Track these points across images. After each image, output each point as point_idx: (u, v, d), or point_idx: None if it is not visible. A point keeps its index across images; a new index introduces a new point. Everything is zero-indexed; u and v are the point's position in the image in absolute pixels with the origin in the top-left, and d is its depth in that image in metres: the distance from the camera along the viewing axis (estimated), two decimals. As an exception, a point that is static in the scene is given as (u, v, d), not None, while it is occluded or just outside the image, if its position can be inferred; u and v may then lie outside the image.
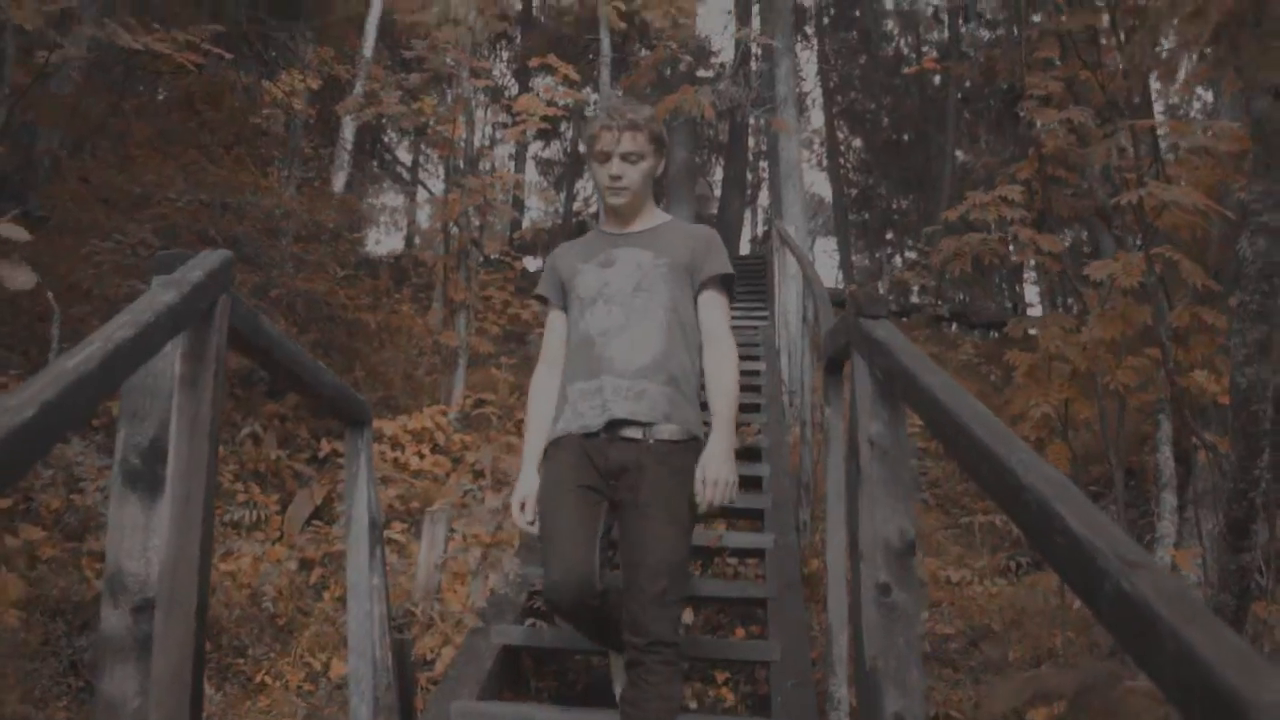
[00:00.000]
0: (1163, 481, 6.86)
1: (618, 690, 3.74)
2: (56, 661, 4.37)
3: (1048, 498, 1.43)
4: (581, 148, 3.86)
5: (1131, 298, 5.63)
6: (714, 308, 3.55)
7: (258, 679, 4.94)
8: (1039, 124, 5.80)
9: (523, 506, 3.49)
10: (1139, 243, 5.42)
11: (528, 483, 3.52)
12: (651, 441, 3.33)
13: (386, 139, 24.14)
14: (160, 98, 11.47)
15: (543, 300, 3.79)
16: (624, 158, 3.50)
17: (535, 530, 3.45)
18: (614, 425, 3.35)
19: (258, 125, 10.82)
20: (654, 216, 3.69)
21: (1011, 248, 6.23)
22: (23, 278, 2.35)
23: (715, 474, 3.27)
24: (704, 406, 3.43)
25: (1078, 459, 6.90)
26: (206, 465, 2.16)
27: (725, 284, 3.60)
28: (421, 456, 7.45)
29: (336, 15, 12.06)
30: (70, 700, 4.16)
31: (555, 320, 3.70)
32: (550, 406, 3.61)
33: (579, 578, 3.21)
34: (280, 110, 11.14)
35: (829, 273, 35.63)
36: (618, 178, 3.50)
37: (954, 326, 20.54)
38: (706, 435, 3.40)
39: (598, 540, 3.33)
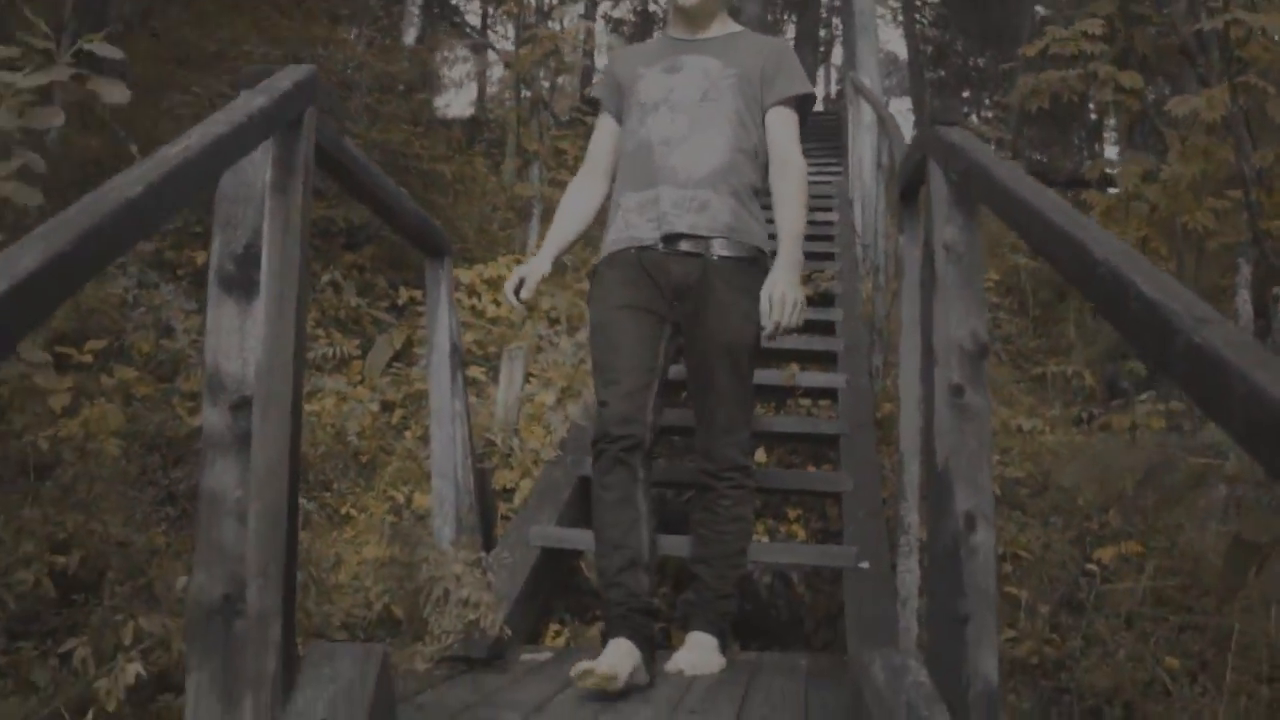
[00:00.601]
0: (1240, 327, 6.77)
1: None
2: (154, 490, 4.56)
3: (1120, 268, 1.46)
4: None
5: (1215, 136, 5.51)
6: (785, 126, 3.35)
7: (343, 511, 5.14)
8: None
9: (520, 284, 3.38)
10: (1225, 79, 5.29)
11: (534, 264, 3.43)
12: (715, 257, 3.20)
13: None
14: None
15: (595, 103, 3.65)
16: None
17: (520, 306, 3.41)
18: (672, 239, 3.21)
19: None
20: (726, 24, 3.50)
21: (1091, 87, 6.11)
22: (119, 93, 2.40)
23: (783, 293, 3.07)
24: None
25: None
26: (299, 268, 2.24)
27: (799, 105, 3.40)
28: (498, 304, 7.55)
29: None
30: (168, 526, 4.34)
31: (605, 125, 3.55)
32: (583, 205, 3.51)
33: (639, 407, 3.13)
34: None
35: (906, 133, 35.06)
36: None
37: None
38: (773, 255, 3.25)
39: (658, 370, 3.22)
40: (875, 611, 3.63)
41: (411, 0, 13.61)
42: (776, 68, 3.37)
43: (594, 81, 3.35)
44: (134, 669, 2.74)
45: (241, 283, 2.14)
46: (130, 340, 5.59)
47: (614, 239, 3.31)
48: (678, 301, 3.23)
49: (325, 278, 7.32)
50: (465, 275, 7.69)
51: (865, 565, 3.93)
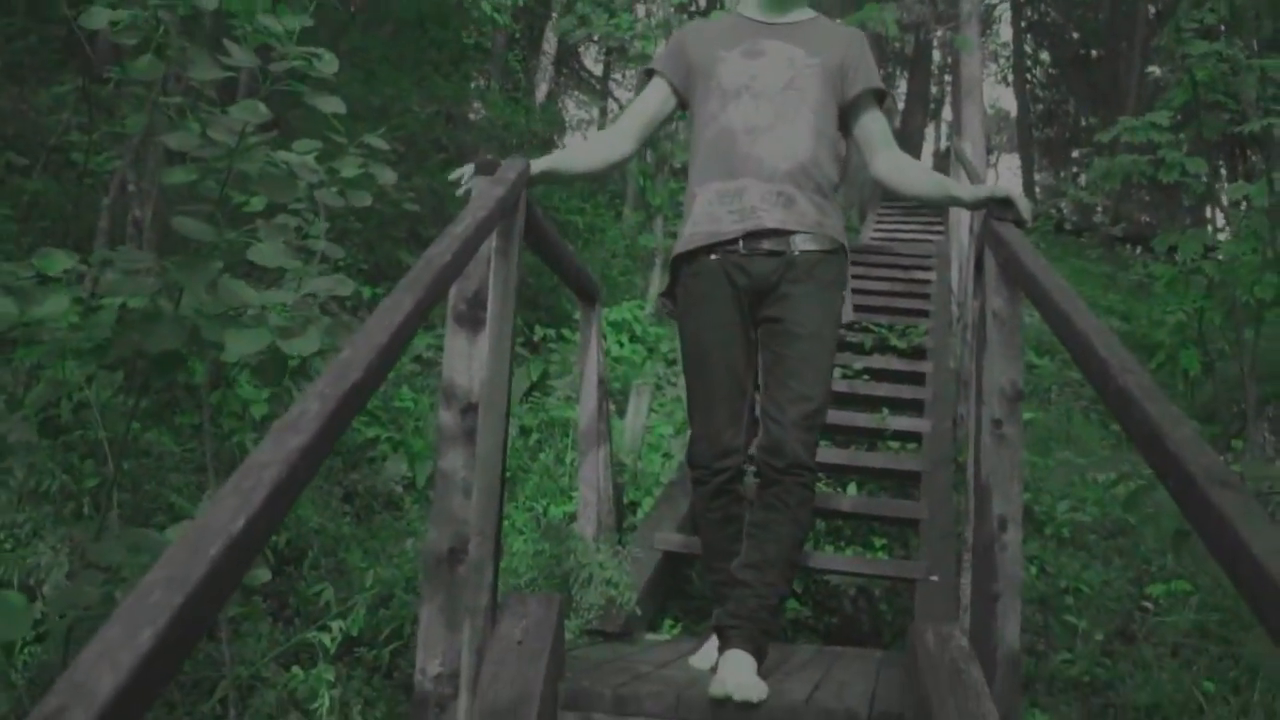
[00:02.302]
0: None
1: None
2: (339, 489, 5.43)
3: (1088, 333, 2.19)
4: None
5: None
6: (877, 119, 3.35)
7: (491, 517, 5.95)
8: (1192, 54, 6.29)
9: (482, 163, 3.12)
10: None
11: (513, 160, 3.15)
12: (796, 253, 3.16)
13: (579, 49, 25.04)
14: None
15: (649, 74, 3.49)
16: None
17: (463, 184, 3.12)
18: (757, 235, 3.15)
19: (480, 42, 11.78)
20: (804, 10, 3.41)
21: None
22: (389, 176, 3.17)
23: (997, 189, 3.15)
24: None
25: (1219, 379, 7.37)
26: (511, 312, 3.06)
27: (880, 98, 3.38)
28: (621, 345, 8.37)
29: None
30: (352, 518, 5.20)
31: (657, 91, 3.42)
32: (597, 156, 3.40)
33: (733, 435, 3.19)
34: (490, 26, 12.06)
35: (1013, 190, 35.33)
36: None
37: (1137, 249, 20.50)
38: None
39: (750, 391, 3.26)
40: (940, 612, 4.35)
41: (546, 55, 14.53)
42: (858, 60, 3.32)
43: (656, 54, 3.27)
44: (360, 614, 3.56)
45: (471, 319, 2.95)
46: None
47: (695, 230, 3.23)
48: (759, 301, 3.20)
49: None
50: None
51: (935, 578, 4.65)
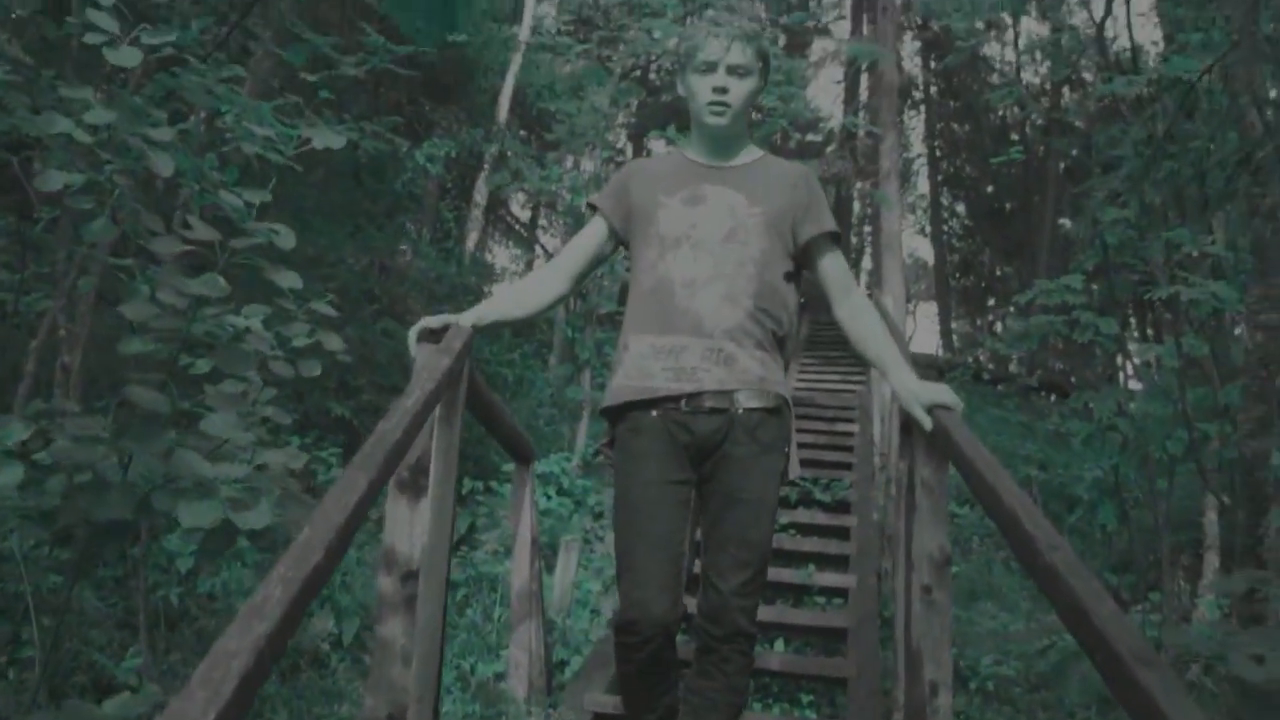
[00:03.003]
0: (1206, 543, 7.59)
1: None
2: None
3: (1015, 508, 2.30)
4: (675, 60, 3.39)
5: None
6: (836, 261, 3.23)
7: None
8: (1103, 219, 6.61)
9: (425, 331, 3.10)
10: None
11: (448, 319, 3.15)
12: (740, 411, 3.02)
13: (504, 196, 25.45)
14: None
15: (591, 208, 3.39)
16: (730, 70, 3.11)
17: (413, 348, 3.09)
18: (697, 396, 3.01)
19: (412, 192, 12.00)
20: (748, 150, 3.30)
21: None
22: (336, 343, 3.23)
23: (936, 391, 3.05)
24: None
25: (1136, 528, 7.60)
26: (453, 478, 3.11)
27: (836, 240, 3.25)
28: (549, 497, 8.40)
29: (478, 93, 13.23)
30: (276, 676, 5.15)
31: (596, 231, 3.33)
32: (535, 297, 3.33)
33: (668, 602, 2.90)
34: (423, 175, 12.28)
35: (930, 338, 36.17)
36: (722, 91, 3.11)
37: (1052, 397, 21.00)
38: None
39: (688, 552, 3.11)
40: (870, 773, 4.37)
41: (477, 206, 14.72)
42: (807, 203, 3.21)
43: (602, 190, 3.09)
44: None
45: (413, 486, 3.00)
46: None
47: (628, 385, 3.10)
48: (700, 460, 3.05)
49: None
50: (508, 466, 8.57)
51: (864, 737, 4.68)
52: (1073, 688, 5.93)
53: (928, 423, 3.00)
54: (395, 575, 2.94)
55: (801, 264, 3.25)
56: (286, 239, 3.02)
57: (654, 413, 3.03)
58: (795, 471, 3.26)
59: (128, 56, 2.89)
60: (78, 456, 2.41)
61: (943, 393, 3.03)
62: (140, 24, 3.10)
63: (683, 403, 3.00)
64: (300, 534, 1.83)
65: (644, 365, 3.05)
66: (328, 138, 3.49)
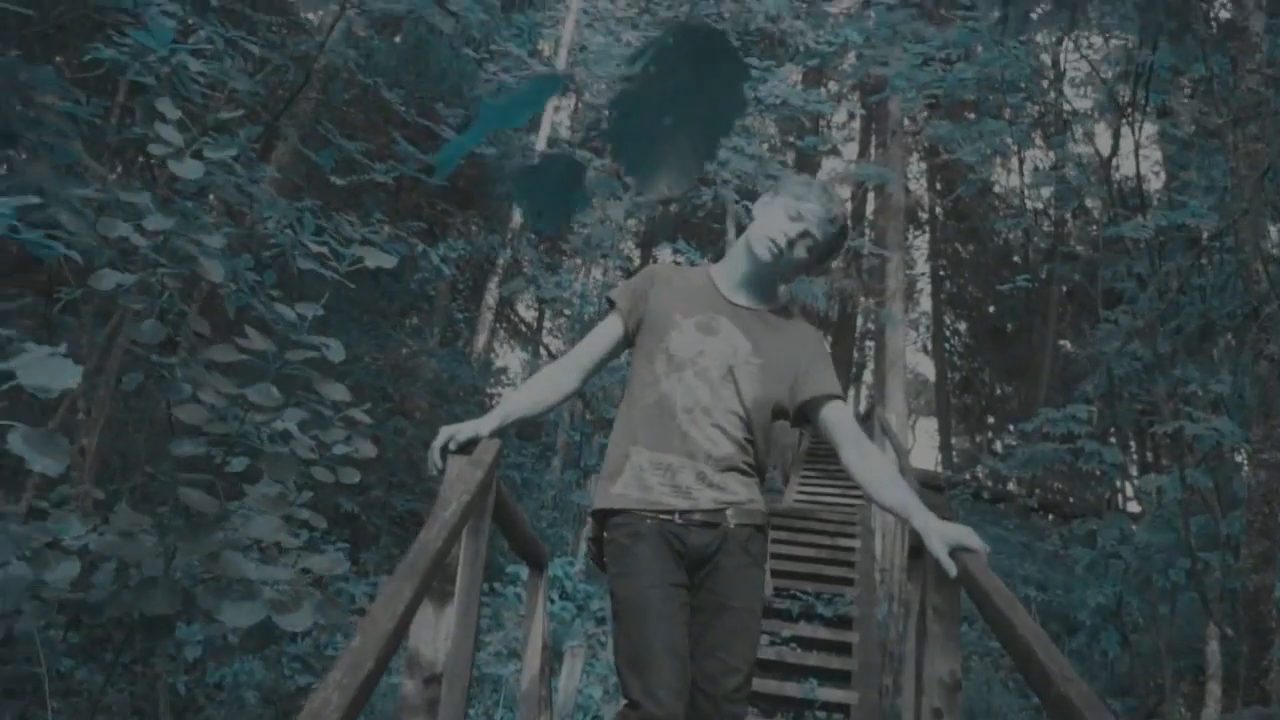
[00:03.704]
0: (1209, 673, 7.60)
1: None
2: None
3: (1029, 640, 2.38)
4: (778, 186, 3.47)
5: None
6: (844, 415, 3.31)
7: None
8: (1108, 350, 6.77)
9: (449, 444, 3.17)
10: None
11: (474, 424, 3.21)
12: (731, 525, 3.15)
13: (514, 299, 25.68)
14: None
15: (610, 304, 3.46)
16: (803, 236, 3.26)
17: (439, 467, 3.15)
18: (691, 512, 3.12)
19: (425, 293, 12.22)
20: (773, 300, 3.42)
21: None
22: (369, 449, 3.34)
23: (961, 534, 2.99)
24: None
25: (1138, 653, 7.63)
26: (479, 585, 3.19)
27: (839, 395, 3.34)
28: (552, 600, 8.43)
29: (493, 199, 13.49)
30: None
31: (612, 330, 3.39)
32: (548, 395, 3.42)
33: (683, 704, 2.94)
34: (438, 277, 12.48)
35: (929, 453, 36.18)
36: (791, 244, 3.26)
37: (1049, 517, 20.99)
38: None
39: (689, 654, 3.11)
40: None
41: (488, 309, 14.92)
42: (810, 367, 3.33)
43: (624, 285, 3.33)
44: None
45: (439, 592, 3.08)
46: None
47: (627, 494, 3.17)
48: (694, 570, 3.15)
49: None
50: (524, 572, 8.61)
51: None
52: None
53: (953, 569, 2.96)
54: (419, 678, 3.01)
55: (799, 417, 3.34)
56: (336, 352, 3.14)
57: (649, 520, 3.11)
58: (769, 590, 3.33)
59: (191, 169, 3.04)
60: (124, 552, 2.49)
61: (968, 535, 3.00)
62: (202, 136, 3.26)
63: (677, 516, 3.09)
64: (351, 642, 1.91)
65: (644, 478, 3.14)
66: (380, 258, 3.64)
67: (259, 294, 3.62)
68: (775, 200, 3.32)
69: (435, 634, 3.04)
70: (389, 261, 3.73)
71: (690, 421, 3.15)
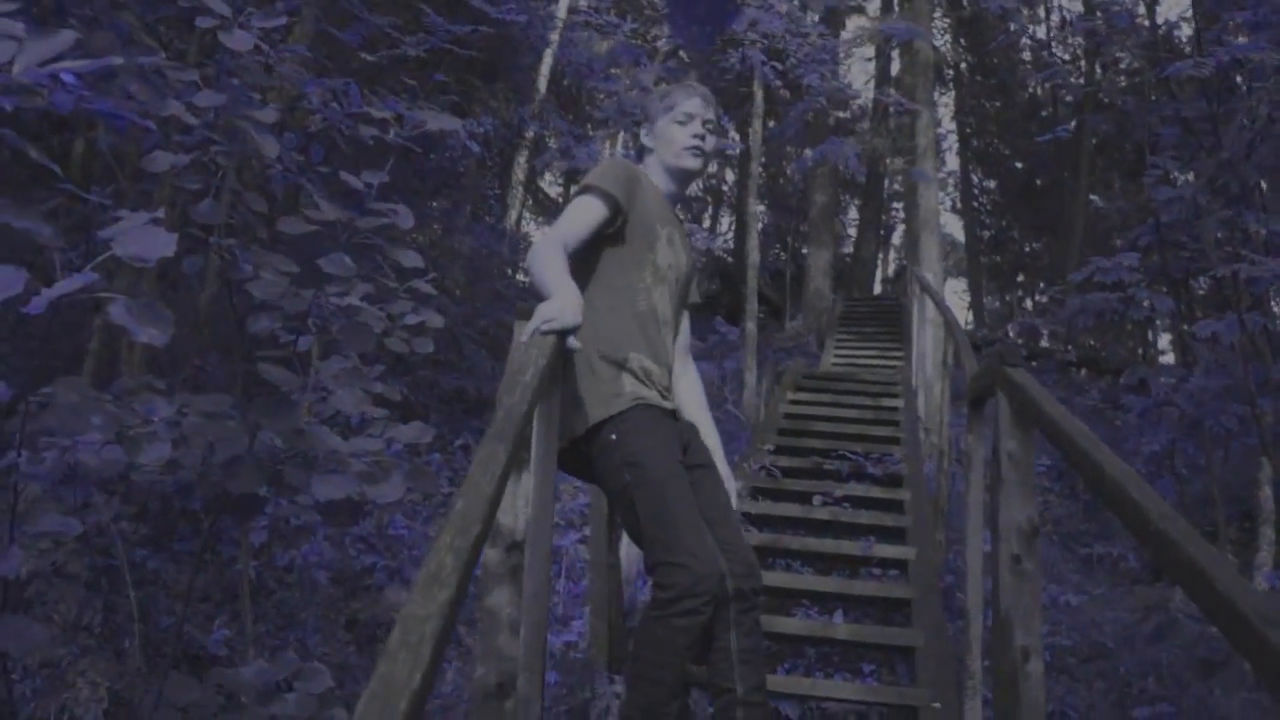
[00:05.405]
0: (1262, 516, 7.61)
1: None
2: (340, 618, 5.49)
3: (1121, 480, 2.36)
4: (649, 113, 3.53)
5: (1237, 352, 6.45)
6: (688, 325, 3.70)
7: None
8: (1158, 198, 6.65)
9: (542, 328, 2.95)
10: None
11: (569, 297, 2.95)
12: (685, 421, 3.51)
13: (539, 176, 25.52)
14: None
15: (589, 189, 3.37)
16: (705, 124, 3.48)
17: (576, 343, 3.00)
18: (673, 412, 3.45)
19: (455, 169, 12.12)
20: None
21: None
22: (438, 319, 3.32)
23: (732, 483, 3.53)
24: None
25: (1188, 499, 7.66)
26: (554, 453, 3.19)
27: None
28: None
29: (518, 71, 13.29)
30: (354, 646, 5.26)
31: (596, 214, 3.30)
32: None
33: (716, 561, 3.08)
34: (467, 156, 12.39)
35: (959, 314, 36.10)
36: (702, 136, 3.46)
37: (1083, 372, 20.89)
38: None
39: None
40: (944, 741, 4.45)
41: (518, 185, 14.78)
42: (694, 270, 3.66)
43: (610, 175, 3.28)
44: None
45: (517, 461, 3.08)
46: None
47: (635, 391, 3.30)
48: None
49: (458, 441, 8.32)
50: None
51: (938, 705, 4.76)
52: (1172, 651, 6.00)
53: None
54: (500, 546, 3.03)
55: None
56: (405, 219, 3.12)
57: (659, 410, 3.34)
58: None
59: (241, 41, 2.98)
60: (210, 432, 2.50)
61: (731, 481, 3.52)
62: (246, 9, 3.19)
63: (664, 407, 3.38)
64: (455, 506, 1.91)
65: (649, 379, 3.34)
66: (444, 120, 3.59)
67: (308, 171, 3.58)
68: (658, 123, 3.51)
69: (514, 501, 3.05)
70: (453, 125, 3.69)
71: (660, 332, 3.42)
